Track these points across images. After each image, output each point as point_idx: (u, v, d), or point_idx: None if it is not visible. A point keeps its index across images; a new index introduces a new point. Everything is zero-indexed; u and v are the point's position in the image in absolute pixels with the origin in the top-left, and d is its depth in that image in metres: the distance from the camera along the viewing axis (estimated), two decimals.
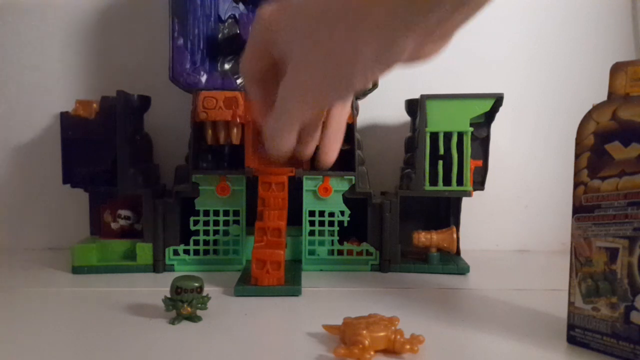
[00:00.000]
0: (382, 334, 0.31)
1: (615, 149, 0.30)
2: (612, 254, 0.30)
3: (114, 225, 0.55)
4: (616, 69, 0.31)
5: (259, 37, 0.32)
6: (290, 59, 0.30)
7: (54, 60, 0.64)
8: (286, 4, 0.30)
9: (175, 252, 0.52)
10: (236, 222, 0.52)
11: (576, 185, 0.33)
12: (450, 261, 0.53)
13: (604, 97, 0.31)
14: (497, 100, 0.51)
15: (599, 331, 0.31)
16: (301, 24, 0.29)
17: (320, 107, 0.33)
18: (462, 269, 0.52)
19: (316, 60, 0.28)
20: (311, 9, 0.28)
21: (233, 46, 0.59)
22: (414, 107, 0.56)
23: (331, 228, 0.53)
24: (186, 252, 0.52)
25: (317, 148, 0.38)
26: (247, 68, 0.36)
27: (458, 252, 0.55)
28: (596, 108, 0.32)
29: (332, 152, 0.38)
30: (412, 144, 0.56)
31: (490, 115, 0.53)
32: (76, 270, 0.51)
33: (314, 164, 0.56)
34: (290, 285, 0.44)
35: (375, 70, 0.28)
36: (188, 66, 0.54)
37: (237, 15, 0.58)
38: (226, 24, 0.59)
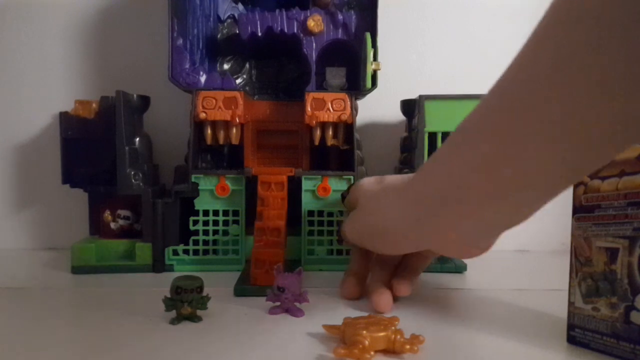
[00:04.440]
0: (382, 334, 0.31)
1: None
2: (612, 254, 0.30)
3: (113, 225, 0.55)
4: None
5: (353, 195, 0.43)
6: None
7: (53, 60, 0.64)
8: (380, 180, 0.40)
9: (175, 252, 0.52)
10: (236, 222, 0.52)
11: (576, 185, 0.33)
12: (448, 260, 0.53)
13: None
14: None
15: (599, 331, 0.31)
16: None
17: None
18: (459, 267, 0.52)
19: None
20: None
21: (232, 46, 0.59)
22: (409, 107, 0.56)
23: (330, 228, 0.53)
24: (186, 252, 0.52)
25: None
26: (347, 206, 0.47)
27: None
28: None
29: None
30: (408, 144, 0.56)
31: None
32: (75, 270, 0.51)
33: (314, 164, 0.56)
34: None
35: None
36: (187, 66, 0.54)
37: (236, 15, 0.58)
38: (225, 24, 0.59)
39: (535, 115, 0.25)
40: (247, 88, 0.60)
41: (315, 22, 0.53)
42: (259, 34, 0.54)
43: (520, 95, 0.26)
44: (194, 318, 0.37)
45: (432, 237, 0.35)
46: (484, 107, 0.29)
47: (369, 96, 0.55)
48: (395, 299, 0.41)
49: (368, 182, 0.42)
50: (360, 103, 0.57)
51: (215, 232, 0.52)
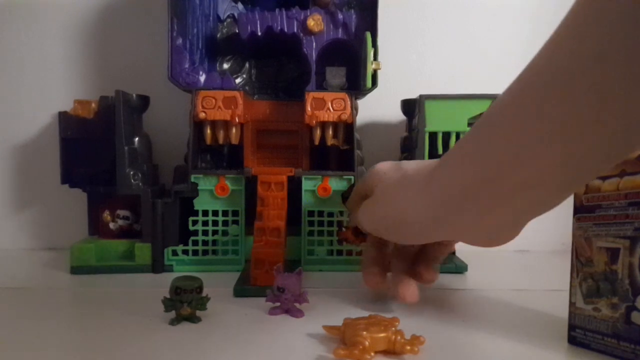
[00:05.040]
0: (382, 334, 0.31)
1: None
2: (613, 254, 0.30)
3: (112, 226, 0.55)
4: None
5: (369, 180, 0.41)
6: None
7: (53, 60, 0.64)
8: (398, 168, 0.38)
9: (174, 253, 0.52)
10: (235, 222, 0.52)
11: None
12: (448, 260, 0.53)
13: None
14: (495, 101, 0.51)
15: (599, 331, 0.31)
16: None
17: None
18: (460, 268, 0.53)
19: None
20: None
21: (232, 46, 0.59)
22: (410, 107, 0.56)
23: (330, 228, 0.52)
24: (185, 252, 0.52)
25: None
26: (350, 204, 0.46)
27: (454, 252, 0.55)
28: None
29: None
30: (408, 144, 0.56)
31: None
32: (75, 270, 0.51)
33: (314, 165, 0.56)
34: None
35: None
36: (187, 66, 0.53)
37: (235, 15, 0.58)
38: (225, 23, 0.59)
39: (565, 105, 0.25)
40: (246, 88, 0.60)
41: (315, 21, 0.53)
42: (259, 34, 0.54)
43: (554, 81, 0.26)
44: (193, 318, 0.37)
45: (456, 230, 0.34)
46: (512, 97, 0.29)
47: (369, 96, 0.55)
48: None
49: (386, 168, 0.39)
50: (360, 103, 0.57)
51: (215, 232, 0.52)
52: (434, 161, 0.35)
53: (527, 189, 0.29)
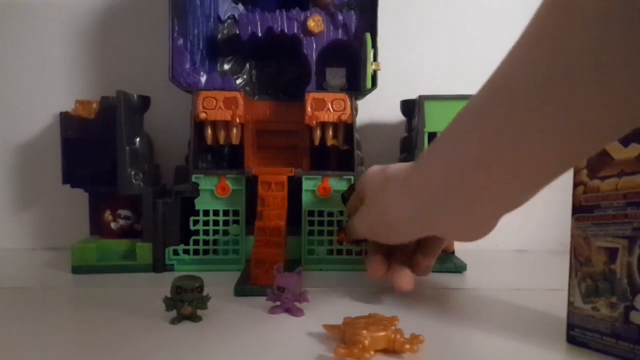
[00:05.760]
0: (382, 333, 0.31)
1: (614, 149, 0.30)
2: (612, 254, 0.30)
3: (113, 225, 0.55)
4: None
5: (360, 185, 0.43)
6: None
7: (54, 60, 0.64)
8: (383, 170, 0.40)
9: (175, 252, 0.52)
10: (236, 221, 0.53)
11: (575, 185, 0.33)
12: (447, 260, 0.53)
13: None
14: None
15: (598, 331, 0.31)
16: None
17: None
18: (459, 267, 0.53)
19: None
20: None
21: (232, 46, 0.59)
22: (409, 107, 0.56)
23: (330, 228, 0.53)
24: (186, 252, 0.52)
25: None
26: (349, 209, 0.48)
27: (453, 251, 0.56)
28: None
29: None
30: (408, 144, 0.56)
31: None
32: (76, 270, 0.51)
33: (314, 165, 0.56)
34: None
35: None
36: (188, 66, 0.54)
37: (236, 16, 0.58)
38: (226, 24, 0.59)
39: (528, 113, 0.26)
40: (247, 88, 0.60)
41: (315, 22, 0.53)
42: (259, 35, 0.54)
43: (515, 94, 0.26)
44: (194, 318, 0.37)
45: (432, 228, 0.36)
46: (478, 102, 0.30)
47: (369, 96, 0.56)
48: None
49: (373, 172, 0.42)
50: (360, 103, 0.57)
51: (216, 232, 0.52)
52: (412, 163, 0.37)
53: (492, 190, 0.30)
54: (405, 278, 0.41)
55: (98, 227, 0.56)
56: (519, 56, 0.27)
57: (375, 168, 0.42)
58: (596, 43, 0.22)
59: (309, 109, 0.52)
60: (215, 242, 0.53)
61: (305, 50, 0.54)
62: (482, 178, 0.29)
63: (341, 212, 0.52)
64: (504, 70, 0.27)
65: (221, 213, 0.52)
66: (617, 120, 0.24)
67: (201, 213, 0.52)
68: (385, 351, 0.31)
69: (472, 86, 0.54)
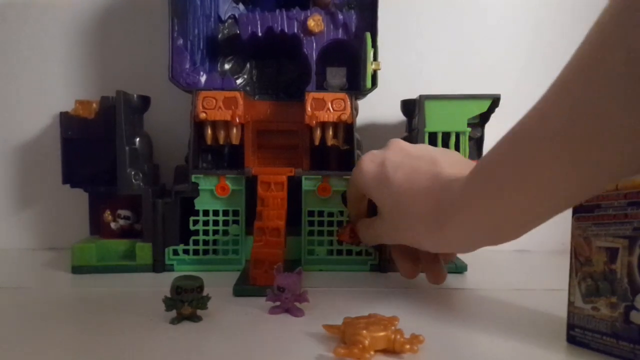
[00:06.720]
0: (382, 333, 0.31)
1: None
2: (612, 253, 0.30)
3: (113, 225, 0.55)
4: None
5: (357, 180, 0.44)
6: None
7: (54, 60, 0.64)
8: (382, 162, 0.41)
9: (175, 252, 0.52)
10: (236, 222, 0.52)
11: None
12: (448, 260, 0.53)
13: None
14: (494, 101, 0.51)
15: (598, 331, 0.31)
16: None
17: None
18: (460, 268, 0.53)
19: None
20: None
21: (233, 46, 0.59)
22: (410, 107, 0.56)
23: (330, 228, 0.53)
24: (186, 252, 0.52)
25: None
26: (349, 204, 0.50)
27: None
28: None
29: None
30: None
31: (485, 116, 0.54)
32: (76, 270, 0.51)
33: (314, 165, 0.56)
34: None
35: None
36: (188, 66, 0.54)
37: (236, 16, 0.58)
38: (226, 24, 0.59)
39: (541, 170, 0.28)
40: (247, 88, 0.60)
41: (315, 22, 0.53)
42: (260, 34, 0.54)
43: (531, 150, 0.28)
44: (194, 318, 0.37)
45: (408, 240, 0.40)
46: (496, 156, 0.32)
47: (369, 96, 0.56)
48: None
49: (367, 168, 0.42)
50: (360, 103, 0.57)
51: (215, 232, 0.52)
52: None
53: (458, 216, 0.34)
54: (441, 272, 0.44)
55: (98, 227, 0.56)
56: (541, 111, 0.29)
57: (368, 163, 0.42)
58: (617, 104, 0.23)
59: (309, 109, 0.52)
60: (215, 242, 0.53)
61: (305, 49, 0.54)
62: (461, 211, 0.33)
63: (341, 212, 0.52)
64: (527, 125, 0.30)
65: (221, 213, 0.52)
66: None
67: (201, 213, 0.52)
68: (385, 351, 0.31)
69: (472, 86, 0.55)
